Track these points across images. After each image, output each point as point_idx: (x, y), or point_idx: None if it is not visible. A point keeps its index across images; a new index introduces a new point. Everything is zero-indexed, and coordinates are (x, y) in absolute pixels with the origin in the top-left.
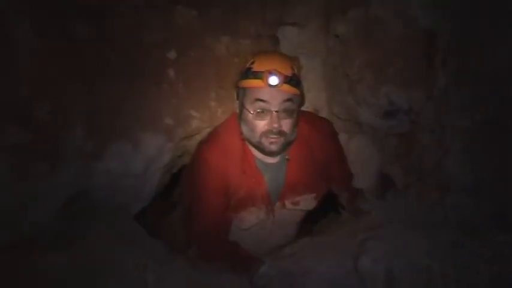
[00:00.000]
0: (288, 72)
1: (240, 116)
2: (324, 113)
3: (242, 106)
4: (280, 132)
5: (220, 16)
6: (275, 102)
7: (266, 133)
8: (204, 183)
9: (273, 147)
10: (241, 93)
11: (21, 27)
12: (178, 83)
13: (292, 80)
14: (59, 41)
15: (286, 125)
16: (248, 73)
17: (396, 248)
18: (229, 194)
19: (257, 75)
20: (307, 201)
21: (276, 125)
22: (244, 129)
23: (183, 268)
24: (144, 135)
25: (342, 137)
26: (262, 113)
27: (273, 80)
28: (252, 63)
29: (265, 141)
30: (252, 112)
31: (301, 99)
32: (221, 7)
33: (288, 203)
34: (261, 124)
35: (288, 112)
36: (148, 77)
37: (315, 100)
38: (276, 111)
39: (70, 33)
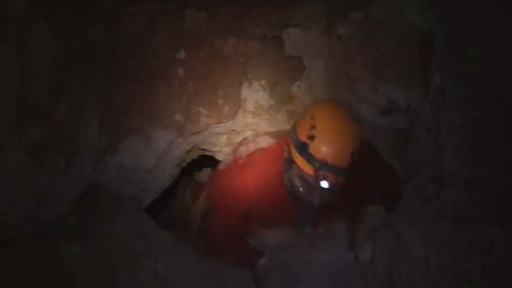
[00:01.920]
0: (344, 164)
1: (286, 168)
2: None
3: (290, 166)
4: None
5: (227, 19)
6: (319, 187)
7: (306, 198)
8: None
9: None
10: (292, 157)
11: (40, 29)
12: (187, 81)
13: (347, 172)
14: (75, 43)
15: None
16: (303, 149)
17: (395, 240)
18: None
19: (312, 161)
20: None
21: (321, 200)
22: (287, 181)
23: (191, 259)
24: (155, 131)
25: None
26: (306, 187)
27: (325, 184)
28: (311, 139)
29: (307, 200)
30: (297, 180)
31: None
32: (228, 10)
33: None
34: (305, 193)
35: (335, 190)
36: (159, 76)
37: (317, 98)
38: (323, 190)
39: (86, 36)
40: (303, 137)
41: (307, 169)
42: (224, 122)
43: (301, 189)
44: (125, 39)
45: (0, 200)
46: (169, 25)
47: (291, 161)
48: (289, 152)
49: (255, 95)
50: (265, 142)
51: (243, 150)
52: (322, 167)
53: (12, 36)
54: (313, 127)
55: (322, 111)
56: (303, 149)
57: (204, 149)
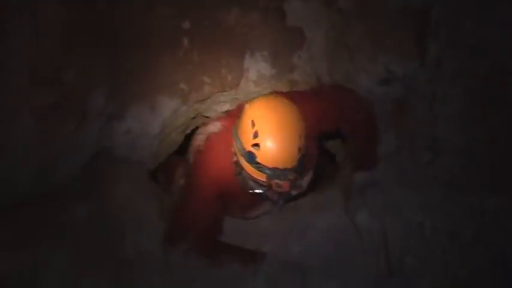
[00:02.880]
0: (294, 163)
1: (237, 170)
2: (325, 80)
3: (241, 169)
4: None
5: None
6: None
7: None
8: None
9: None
10: (238, 164)
11: (52, 3)
12: (192, 51)
13: (298, 168)
14: (84, 13)
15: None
16: (251, 159)
17: (390, 204)
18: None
19: (262, 169)
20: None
21: (275, 198)
22: (242, 182)
23: None
24: (160, 98)
25: None
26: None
27: (281, 189)
28: (256, 146)
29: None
30: (252, 183)
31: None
32: None
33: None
34: (264, 192)
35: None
36: (164, 45)
37: (317, 68)
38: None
39: (94, 6)
40: (247, 147)
41: (259, 176)
42: (227, 91)
43: (258, 190)
44: (130, 9)
45: (12, 162)
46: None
47: (240, 165)
48: (237, 159)
49: (257, 65)
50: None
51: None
52: (274, 174)
53: (25, 3)
54: (256, 135)
55: (261, 115)
56: (250, 158)
57: (207, 117)
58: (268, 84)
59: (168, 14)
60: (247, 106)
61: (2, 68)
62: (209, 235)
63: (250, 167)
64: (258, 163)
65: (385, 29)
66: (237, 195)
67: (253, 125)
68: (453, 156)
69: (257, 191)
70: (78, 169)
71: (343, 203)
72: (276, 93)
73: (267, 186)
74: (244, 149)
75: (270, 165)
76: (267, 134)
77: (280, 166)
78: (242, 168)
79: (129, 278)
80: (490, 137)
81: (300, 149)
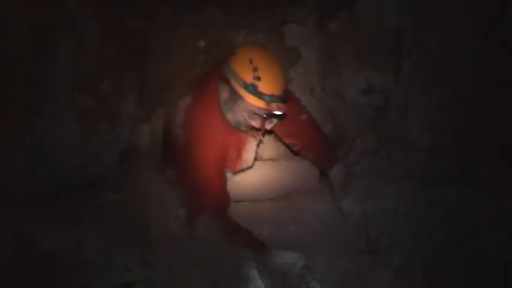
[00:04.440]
0: (284, 90)
1: (225, 104)
2: (317, 91)
3: (234, 102)
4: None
5: (239, 15)
6: (270, 116)
7: (252, 127)
8: (206, 157)
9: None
10: (237, 96)
11: (88, 20)
12: (206, 65)
13: (286, 96)
14: (116, 30)
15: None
16: (252, 89)
17: (370, 194)
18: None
19: (262, 97)
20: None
21: (263, 127)
22: (229, 114)
23: None
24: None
25: None
26: (254, 118)
27: (279, 111)
28: (258, 79)
29: (245, 129)
30: (245, 114)
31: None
32: (240, 8)
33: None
34: (252, 123)
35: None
36: (183, 61)
37: (310, 81)
38: (277, 117)
39: (126, 25)
40: (249, 79)
41: (260, 104)
42: None
43: (250, 121)
44: (158, 30)
45: (58, 157)
46: (192, 19)
47: (235, 99)
48: (233, 92)
49: None
50: None
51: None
52: (272, 99)
53: (68, 24)
54: (256, 69)
55: (256, 54)
56: (252, 88)
57: None
58: None
59: (186, 34)
60: (240, 49)
61: (50, 77)
62: (224, 209)
63: (252, 96)
64: (259, 92)
65: (367, 48)
66: (230, 149)
67: (251, 61)
68: (421, 155)
69: (246, 124)
70: (112, 163)
71: (331, 192)
72: None
73: (267, 110)
74: (245, 82)
75: (269, 92)
76: (266, 68)
77: (276, 93)
78: (235, 102)
79: (153, 255)
80: (452, 138)
81: (286, 83)
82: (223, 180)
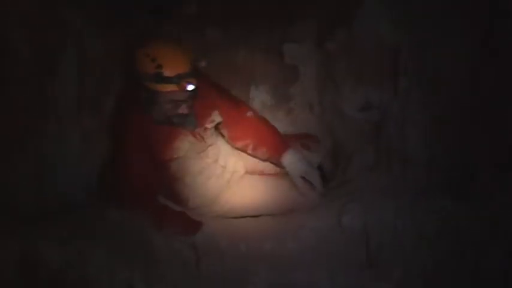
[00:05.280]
0: (190, 67)
1: (146, 103)
2: (316, 108)
3: (152, 100)
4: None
5: (238, 35)
6: (187, 96)
7: (177, 115)
8: (128, 142)
9: (180, 123)
10: (151, 91)
11: (91, 41)
12: None
13: (193, 73)
14: (121, 52)
15: (190, 105)
16: (158, 78)
17: (369, 209)
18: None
19: (171, 80)
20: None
21: (184, 111)
22: (154, 112)
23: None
24: None
25: None
26: (175, 106)
27: (191, 87)
28: (160, 67)
29: (175, 120)
30: (167, 106)
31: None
32: (240, 27)
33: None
34: (174, 112)
35: (194, 97)
36: None
37: (309, 98)
38: (187, 101)
39: (130, 45)
40: (152, 71)
41: (172, 88)
42: None
43: (177, 111)
44: None
45: (63, 174)
46: (193, 40)
47: (152, 97)
48: (147, 90)
49: (260, 96)
50: None
51: None
52: (180, 79)
53: (73, 45)
54: (154, 59)
55: (151, 47)
56: (158, 77)
57: None
58: (269, 112)
59: None
60: (136, 52)
61: (56, 97)
62: (152, 192)
63: (161, 85)
64: (165, 77)
65: (364, 66)
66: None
67: (148, 55)
68: (420, 168)
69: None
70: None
71: (330, 207)
72: None
73: (180, 90)
74: (150, 74)
75: (174, 73)
76: (162, 53)
77: (181, 71)
78: (154, 98)
79: (157, 272)
80: (447, 153)
81: (190, 60)
82: (146, 168)
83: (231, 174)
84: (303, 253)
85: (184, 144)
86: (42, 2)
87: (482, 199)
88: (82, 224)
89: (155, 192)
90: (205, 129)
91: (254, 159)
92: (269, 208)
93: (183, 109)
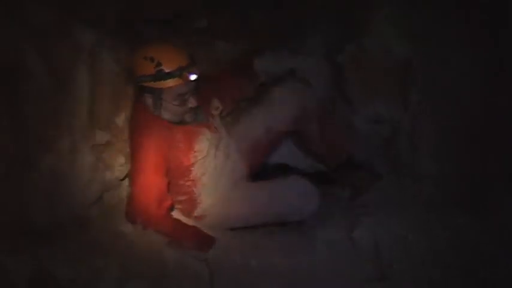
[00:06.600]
0: (189, 60)
1: (156, 107)
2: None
3: (160, 100)
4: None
5: (248, 49)
6: (191, 88)
7: (187, 111)
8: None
9: (193, 119)
10: (157, 92)
11: (104, 57)
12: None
13: (194, 64)
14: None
15: (197, 98)
16: (161, 75)
17: (380, 222)
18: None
19: (173, 74)
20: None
21: (193, 104)
22: (166, 114)
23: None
24: None
25: None
26: (183, 101)
27: (193, 76)
28: (159, 64)
29: (187, 118)
30: (175, 103)
31: None
32: (249, 41)
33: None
34: (184, 108)
35: (197, 88)
36: None
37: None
38: (192, 94)
39: None
40: (153, 70)
41: (176, 82)
42: None
43: (186, 105)
44: None
45: (75, 190)
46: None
47: (159, 96)
48: (153, 91)
49: None
50: None
51: None
52: (182, 71)
53: (85, 62)
54: (152, 59)
55: (146, 49)
56: (161, 75)
57: None
58: None
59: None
60: (132, 59)
61: (69, 113)
62: (166, 209)
63: (165, 82)
64: (167, 73)
65: (374, 79)
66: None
67: (145, 57)
68: (430, 182)
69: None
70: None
71: (342, 221)
72: None
73: (184, 83)
74: (152, 74)
75: (175, 67)
76: (159, 51)
77: (182, 64)
78: (160, 97)
79: (169, 286)
80: (458, 166)
81: (188, 53)
82: (162, 183)
83: (237, 173)
84: (314, 266)
85: (204, 144)
86: (56, 21)
87: (494, 212)
88: (94, 240)
89: (170, 206)
90: (213, 116)
91: (257, 157)
92: (268, 215)
93: (192, 102)
